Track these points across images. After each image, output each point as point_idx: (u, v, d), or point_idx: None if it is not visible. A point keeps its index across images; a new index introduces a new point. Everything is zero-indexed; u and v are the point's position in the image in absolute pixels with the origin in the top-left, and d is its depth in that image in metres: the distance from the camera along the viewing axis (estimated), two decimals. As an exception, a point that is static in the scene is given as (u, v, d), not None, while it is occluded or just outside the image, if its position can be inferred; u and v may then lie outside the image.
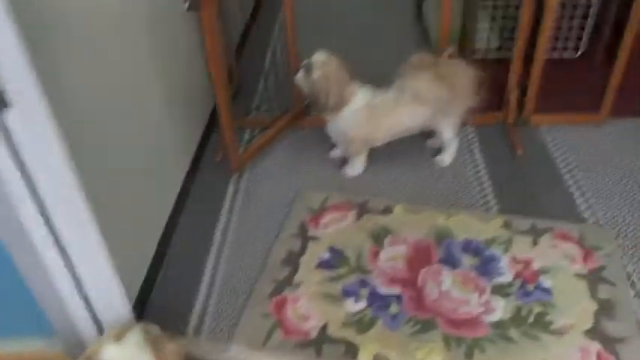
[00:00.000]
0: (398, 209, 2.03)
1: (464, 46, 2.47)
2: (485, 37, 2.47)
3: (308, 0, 3.51)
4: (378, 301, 1.70)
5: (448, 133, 2.13)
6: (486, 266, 1.79)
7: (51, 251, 1.27)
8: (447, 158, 2.22)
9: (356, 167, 2.21)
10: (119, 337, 1.24)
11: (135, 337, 1.23)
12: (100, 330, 1.46)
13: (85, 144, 1.42)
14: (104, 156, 1.54)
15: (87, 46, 1.45)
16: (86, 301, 1.37)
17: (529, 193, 2.08)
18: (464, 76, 2.01)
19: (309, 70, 2.04)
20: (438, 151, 2.23)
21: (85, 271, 1.32)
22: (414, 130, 2.14)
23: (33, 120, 1.10)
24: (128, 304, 1.48)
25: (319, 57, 2.02)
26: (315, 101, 2.06)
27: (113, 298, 1.43)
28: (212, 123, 2.46)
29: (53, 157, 1.16)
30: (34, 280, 1.31)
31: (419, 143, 2.30)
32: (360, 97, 2.04)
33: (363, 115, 2.06)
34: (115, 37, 1.61)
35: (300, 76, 2.07)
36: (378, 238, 1.92)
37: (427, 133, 2.21)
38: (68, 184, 1.21)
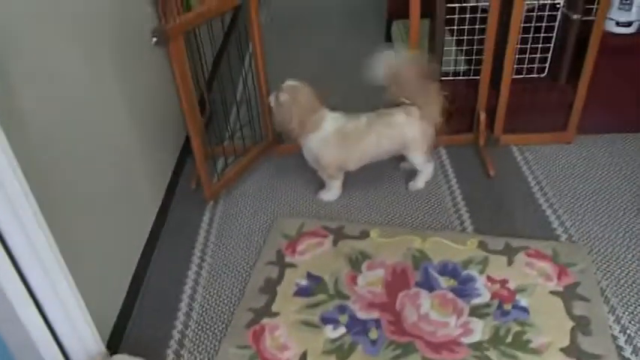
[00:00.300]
0: (374, 233, 2.03)
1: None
2: (452, 60, 2.52)
3: (278, 26, 3.58)
4: (358, 327, 1.69)
5: (418, 158, 2.15)
6: (464, 287, 1.79)
7: (17, 291, 1.24)
8: (419, 183, 2.24)
9: (332, 192, 2.22)
10: None
11: None
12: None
13: (50, 177, 1.40)
14: (72, 189, 1.52)
15: (51, 76, 1.44)
16: (57, 341, 1.33)
17: (503, 212, 2.11)
18: (432, 103, 2.04)
19: (278, 94, 2.08)
20: (413, 173, 2.25)
21: (54, 310, 1.29)
22: (384, 156, 2.16)
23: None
24: (100, 342, 1.45)
25: (289, 83, 2.06)
26: (281, 125, 2.09)
27: (84, 336, 1.40)
28: (186, 151, 2.45)
29: (13, 191, 1.14)
30: (1, 324, 1.27)
31: (394, 166, 2.32)
32: (330, 123, 2.06)
33: (334, 141, 2.07)
34: (81, 67, 1.60)
35: (271, 99, 2.13)
36: (356, 263, 1.92)
37: (401, 157, 2.23)
38: (30, 221, 1.19)
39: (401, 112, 2.07)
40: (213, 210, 2.22)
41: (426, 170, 2.20)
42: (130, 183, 1.91)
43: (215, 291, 1.86)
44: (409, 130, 2.08)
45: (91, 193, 1.62)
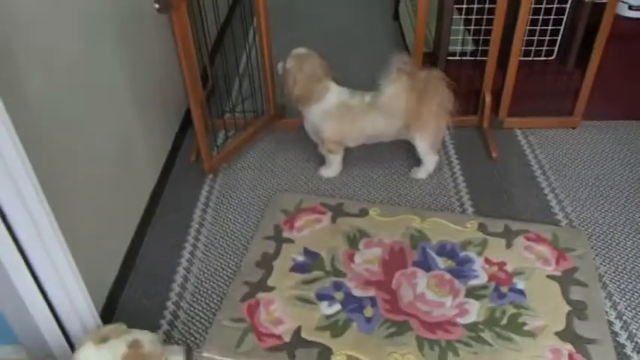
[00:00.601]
0: (373, 212, 2.02)
1: (439, 49, 2.48)
2: (459, 40, 2.48)
3: (283, 2, 3.52)
4: (353, 304, 1.69)
5: (421, 147, 2.11)
6: (461, 269, 1.78)
7: (11, 255, 1.22)
8: (421, 173, 2.19)
9: (332, 169, 2.19)
10: (101, 340, 1.20)
11: (115, 347, 1.20)
12: (66, 335, 1.42)
13: (47, 146, 1.38)
14: (71, 156, 1.50)
15: (50, 45, 1.41)
16: (50, 306, 1.33)
17: (504, 195, 2.09)
18: (438, 93, 1.98)
19: (284, 73, 2.06)
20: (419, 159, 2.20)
21: (47, 274, 1.27)
22: (387, 138, 2.12)
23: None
24: (94, 309, 1.44)
25: (297, 51, 2.04)
26: (286, 93, 2.07)
27: (78, 303, 1.39)
28: (187, 123, 2.42)
29: (10, 160, 1.12)
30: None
31: (396, 148, 2.29)
32: (334, 95, 2.03)
33: (335, 114, 2.04)
34: (80, 35, 1.57)
35: (278, 66, 2.11)
36: (353, 240, 1.90)
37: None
38: (29, 191, 1.17)
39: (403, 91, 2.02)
40: (212, 183, 2.20)
41: (428, 162, 2.16)
42: (128, 153, 1.89)
43: (211, 264, 1.85)
44: (409, 110, 2.03)
45: (89, 162, 1.60)
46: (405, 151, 2.28)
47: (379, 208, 2.03)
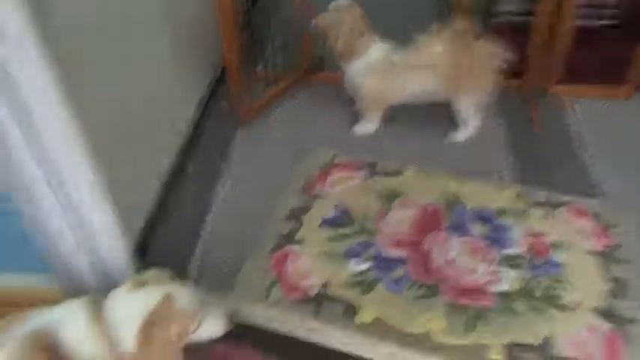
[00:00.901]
0: (409, 172, 1.95)
1: (488, 8, 2.35)
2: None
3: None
4: (382, 264, 1.65)
5: (465, 111, 2.03)
6: (497, 236, 1.72)
7: (46, 188, 1.21)
8: (460, 136, 2.13)
9: (368, 126, 2.13)
10: (137, 285, 1.16)
11: (148, 296, 1.14)
12: (95, 268, 1.42)
13: (85, 81, 1.35)
14: (106, 97, 1.47)
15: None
16: (83, 238, 1.32)
17: (547, 165, 2.00)
18: (485, 54, 1.89)
19: (326, 24, 1.98)
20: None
21: (82, 207, 1.26)
22: (428, 97, 2.04)
23: (28, 58, 1.03)
24: (126, 245, 1.43)
25: (341, 2, 1.95)
26: (327, 44, 1.99)
27: (111, 238, 1.38)
28: (223, 75, 2.37)
29: (49, 96, 1.09)
30: (28, 216, 1.26)
31: (436, 110, 2.20)
32: (377, 51, 1.96)
33: (377, 70, 1.97)
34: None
35: (319, 18, 2.03)
36: (387, 199, 1.85)
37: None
38: (65, 121, 1.14)
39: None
40: (246, 133, 2.16)
41: (470, 124, 2.08)
42: (162, 90, 1.86)
43: (241, 213, 1.83)
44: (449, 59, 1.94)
45: (123, 95, 1.57)
46: (446, 114, 2.19)
47: (415, 169, 1.97)
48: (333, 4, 1.96)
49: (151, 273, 1.21)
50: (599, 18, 2.33)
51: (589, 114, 2.21)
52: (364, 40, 1.93)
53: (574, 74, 2.25)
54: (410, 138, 2.11)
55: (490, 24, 2.33)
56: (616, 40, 2.31)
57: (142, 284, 1.16)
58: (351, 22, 1.91)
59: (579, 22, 2.23)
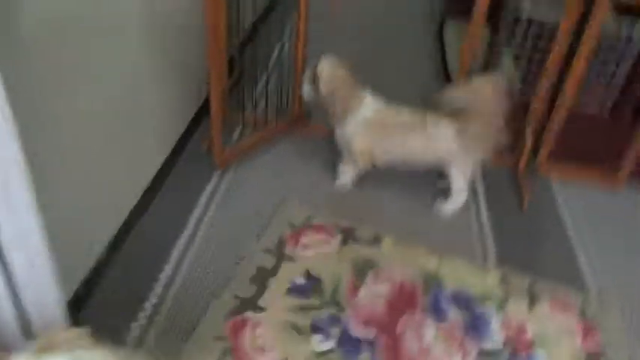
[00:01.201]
0: (387, 242, 1.83)
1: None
2: (507, 76, 2.30)
3: (323, 11, 3.34)
4: (349, 344, 1.50)
5: (458, 181, 1.93)
6: (475, 325, 1.59)
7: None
8: (448, 209, 2.00)
9: (347, 175, 2.01)
10: (42, 350, 0.98)
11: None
12: (24, 320, 1.24)
13: (47, 87, 1.21)
14: (72, 105, 1.33)
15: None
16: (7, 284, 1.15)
17: (532, 249, 1.90)
18: (488, 124, 1.81)
19: (315, 81, 1.87)
20: (445, 192, 2.01)
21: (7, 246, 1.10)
22: (421, 163, 1.94)
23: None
24: (60, 297, 1.25)
25: (326, 66, 1.85)
26: (320, 101, 1.89)
27: (44, 288, 1.21)
28: (205, 109, 2.25)
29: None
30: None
31: (424, 179, 2.10)
32: (369, 106, 1.86)
33: (369, 126, 1.87)
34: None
35: (306, 88, 1.93)
36: (361, 271, 1.72)
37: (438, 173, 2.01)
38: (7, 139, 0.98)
39: (449, 126, 1.83)
40: (221, 178, 2.02)
41: (457, 197, 1.97)
42: (138, 121, 1.72)
43: (203, 266, 1.68)
44: (448, 148, 1.85)
45: (93, 117, 1.42)
46: (431, 183, 2.09)
47: (394, 239, 1.85)
48: (320, 70, 1.84)
49: (65, 333, 1.02)
50: (590, 105, 2.30)
51: (578, 198, 2.13)
52: (355, 95, 1.84)
53: (566, 156, 2.18)
54: (393, 203, 2.00)
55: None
56: (611, 128, 2.27)
57: (49, 348, 0.98)
58: (343, 83, 1.82)
59: (575, 110, 2.18)
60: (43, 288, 1.21)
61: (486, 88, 1.81)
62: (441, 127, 1.83)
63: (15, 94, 0.92)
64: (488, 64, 2.27)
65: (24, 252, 1.13)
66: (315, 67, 1.87)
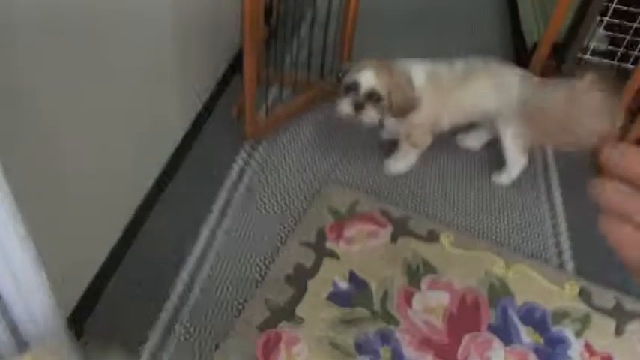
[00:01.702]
0: (445, 239, 1.56)
1: (567, 47, 1.94)
2: (592, 35, 1.93)
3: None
4: (402, 370, 1.26)
5: (512, 150, 1.65)
6: (551, 351, 1.33)
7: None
8: (505, 178, 1.74)
9: (405, 161, 1.73)
10: None
11: None
12: (16, 332, 1.03)
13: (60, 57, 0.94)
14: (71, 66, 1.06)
15: None
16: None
17: (616, 257, 1.60)
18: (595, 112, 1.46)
19: (358, 102, 1.48)
20: (499, 167, 1.73)
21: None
22: (482, 118, 1.66)
23: None
24: (58, 311, 1.03)
25: (366, 79, 1.46)
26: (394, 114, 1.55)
27: (35, 296, 0.98)
28: (236, 65, 1.95)
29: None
30: None
31: (484, 158, 1.80)
32: (418, 75, 1.54)
33: (427, 93, 1.56)
34: None
35: (347, 110, 1.50)
36: (415, 274, 1.46)
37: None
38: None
39: (514, 73, 1.58)
40: (252, 152, 1.76)
41: (514, 165, 1.69)
42: (154, 87, 1.44)
43: (229, 263, 1.44)
44: (509, 100, 1.57)
45: (101, 86, 1.16)
46: (496, 164, 1.79)
47: (454, 234, 1.57)
48: (364, 92, 1.45)
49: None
50: None
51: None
52: (409, 84, 1.51)
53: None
54: (452, 188, 1.71)
55: (576, 62, 1.93)
56: None
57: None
58: (395, 82, 1.48)
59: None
60: (34, 296, 0.99)
61: (592, 98, 1.43)
62: (507, 76, 1.59)
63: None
64: (575, 33, 1.89)
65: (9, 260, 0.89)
66: (356, 95, 1.49)
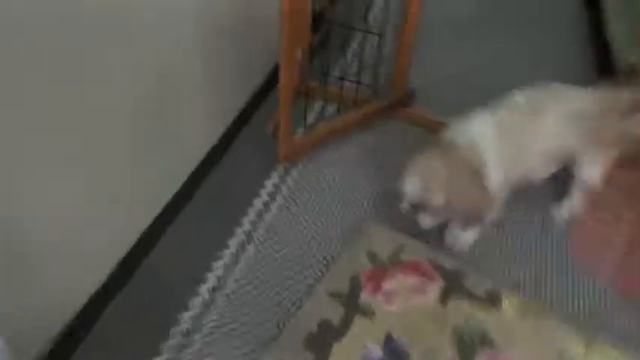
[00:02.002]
0: (508, 303, 1.26)
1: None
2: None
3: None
4: None
5: (583, 179, 1.35)
6: None
7: None
8: (564, 211, 1.44)
9: (469, 234, 1.38)
10: None
11: None
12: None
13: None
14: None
15: None
16: None
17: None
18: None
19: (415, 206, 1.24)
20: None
21: None
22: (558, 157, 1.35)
23: None
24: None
25: (411, 188, 1.22)
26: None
27: None
28: (277, 74, 1.72)
29: None
30: None
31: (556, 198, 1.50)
32: (483, 126, 1.25)
33: (495, 142, 1.25)
34: None
35: (405, 208, 1.27)
36: (469, 348, 1.17)
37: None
38: None
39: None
40: (284, 175, 1.52)
41: (574, 199, 1.40)
42: (176, 94, 1.23)
43: (244, 309, 1.19)
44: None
45: (122, 93, 0.95)
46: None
47: (519, 300, 1.27)
48: (408, 173, 1.21)
49: None
50: None
51: None
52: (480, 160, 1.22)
53: None
54: (520, 241, 1.41)
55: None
56: None
57: None
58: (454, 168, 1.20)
59: None
60: None
61: None
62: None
63: None
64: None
65: None
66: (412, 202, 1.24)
